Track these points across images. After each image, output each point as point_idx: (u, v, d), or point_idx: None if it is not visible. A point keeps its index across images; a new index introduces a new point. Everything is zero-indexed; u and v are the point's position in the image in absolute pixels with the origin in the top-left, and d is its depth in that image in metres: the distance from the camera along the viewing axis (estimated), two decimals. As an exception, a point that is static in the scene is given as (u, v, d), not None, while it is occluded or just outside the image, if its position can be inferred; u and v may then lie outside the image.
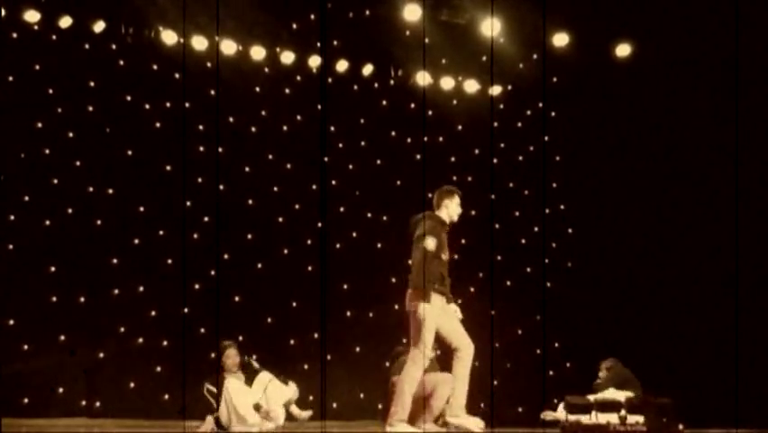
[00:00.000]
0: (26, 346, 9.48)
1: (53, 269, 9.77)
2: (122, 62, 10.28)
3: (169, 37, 10.26)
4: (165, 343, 10.05)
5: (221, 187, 10.53)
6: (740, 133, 9.82)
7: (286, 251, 10.66)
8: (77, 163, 10.04)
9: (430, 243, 7.09)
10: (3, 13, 9.62)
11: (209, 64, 10.52)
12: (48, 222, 9.81)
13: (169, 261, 10.18)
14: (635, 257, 10.63)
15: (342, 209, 11.04)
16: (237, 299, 10.35)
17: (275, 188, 10.78)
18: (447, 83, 11.45)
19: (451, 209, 7.33)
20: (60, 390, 9.59)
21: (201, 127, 10.58)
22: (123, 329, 9.90)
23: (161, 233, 10.20)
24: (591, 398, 8.69)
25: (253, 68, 10.69)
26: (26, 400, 9.36)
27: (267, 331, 10.41)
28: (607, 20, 10.54)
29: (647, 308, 10.18)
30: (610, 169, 11.18)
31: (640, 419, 8.49)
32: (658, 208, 10.12)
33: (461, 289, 8.53)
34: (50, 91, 9.96)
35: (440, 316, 7.11)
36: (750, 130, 9.70)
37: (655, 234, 10.01)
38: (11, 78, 9.76)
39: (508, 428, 9.39)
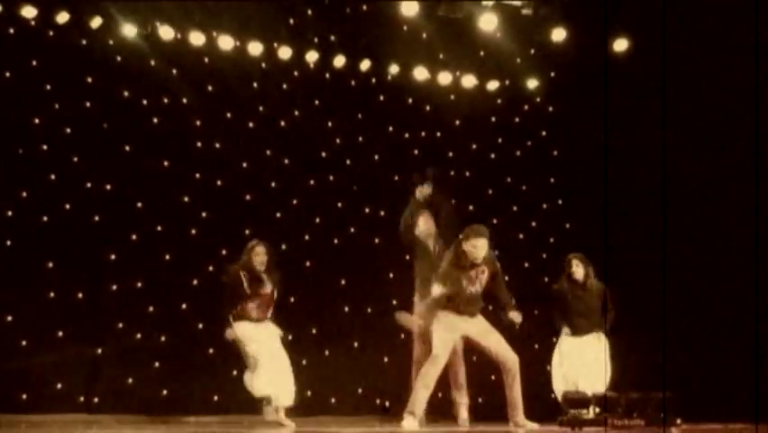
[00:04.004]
0: (24, 342, 9.48)
1: (51, 265, 9.76)
2: (119, 58, 10.26)
3: (166, 33, 10.24)
4: (163, 338, 10.04)
5: (218, 182, 10.56)
6: (741, 130, 9.85)
7: (284, 246, 10.65)
8: (75, 159, 10.02)
9: (435, 290, 7.62)
10: (-1, 8, 9.61)
11: (207, 60, 10.54)
12: (45, 218, 9.79)
13: (168, 256, 10.17)
14: (632, 251, 10.64)
15: (339, 205, 11.05)
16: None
17: (272, 184, 10.78)
18: (445, 78, 11.44)
19: (468, 252, 7.65)
20: (59, 385, 9.59)
21: (198, 123, 10.59)
22: (121, 325, 9.90)
23: (159, 228, 10.19)
24: (589, 392, 8.67)
25: (250, 63, 10.67)
26: (24, 396, 9.36)
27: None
28: (605, 14, 10.53)
29: (645, 303, 10.19)
30: (608, 163, 11.19)
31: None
32: (656, 203, 10.12)
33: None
34: (48, 87, 9.95)
35: (478, 332, 7.77)
36: (751, 126, 9.72)
37: (652, 228, 10.01)
38: (8, 74, 9.75)
39: (507, 423, 9.40)
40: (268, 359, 8.34)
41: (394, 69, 11.25)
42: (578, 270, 9.13)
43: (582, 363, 9.00)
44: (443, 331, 7.62)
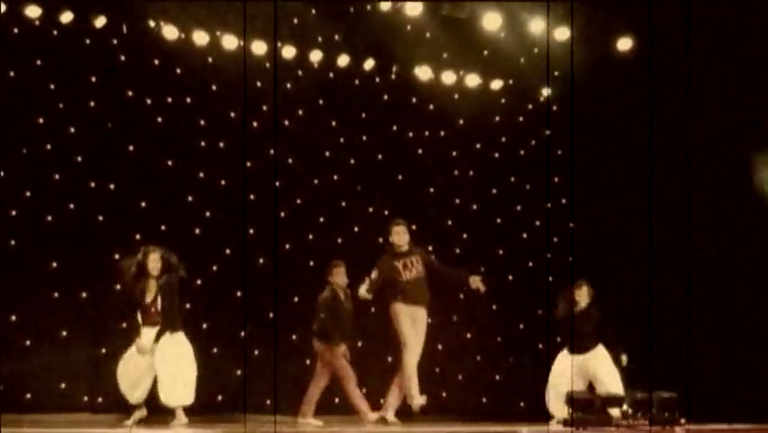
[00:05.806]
0: (28, 342, 9.48)
1: (55, 265, 9.76)
2: (123, 57, 10.25)
3: (169, 32, 10.23)
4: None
5: (222, 182, 10.56)
6: (741, 127, 9.84)
7: (288, 246, 10.65)
8: (79, 159, 10.02)
9: (372, 274, 8.63)
10: (3, 8, 9.59)
11: (210, 59, 10.52)
12: (49, 218, 9.79)
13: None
14: (636, 251, 10.62)
15: (343, 204, 11.04)
16: (239, 294, 10.34)
17: (276, 183, 10.76)
18: (448, 77, 11.42)
19: (392, 239, 8.76)
20: (63, 385, 9.58)
21: (202, 122, 10.59)
22: (125, 325, 9.88)
23: (163, 228, 10.18)
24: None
25: (254, 62, 10.64)
26: (29, 396, 9.37)
27: (268, 326, 10.39)
28: (608, 13, 10.53)
29: (649, 302, 10.18)
30: (612, 163, 11.18)
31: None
32: (659, 202, 10.12)
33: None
34: (52, 87, 9.94)
35: (407, 317, 8.63)
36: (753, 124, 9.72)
37: (656, 227, 10.00)
38: (12, 74, 9.74)
39: (510, 423, 9.41)
40: (143, 374, 8.30)
41: (398, 68, 11.23)
42: (581, 296, 9.41)
43: (588, 377, 9.12)
44: (405, 318, 8.56)
